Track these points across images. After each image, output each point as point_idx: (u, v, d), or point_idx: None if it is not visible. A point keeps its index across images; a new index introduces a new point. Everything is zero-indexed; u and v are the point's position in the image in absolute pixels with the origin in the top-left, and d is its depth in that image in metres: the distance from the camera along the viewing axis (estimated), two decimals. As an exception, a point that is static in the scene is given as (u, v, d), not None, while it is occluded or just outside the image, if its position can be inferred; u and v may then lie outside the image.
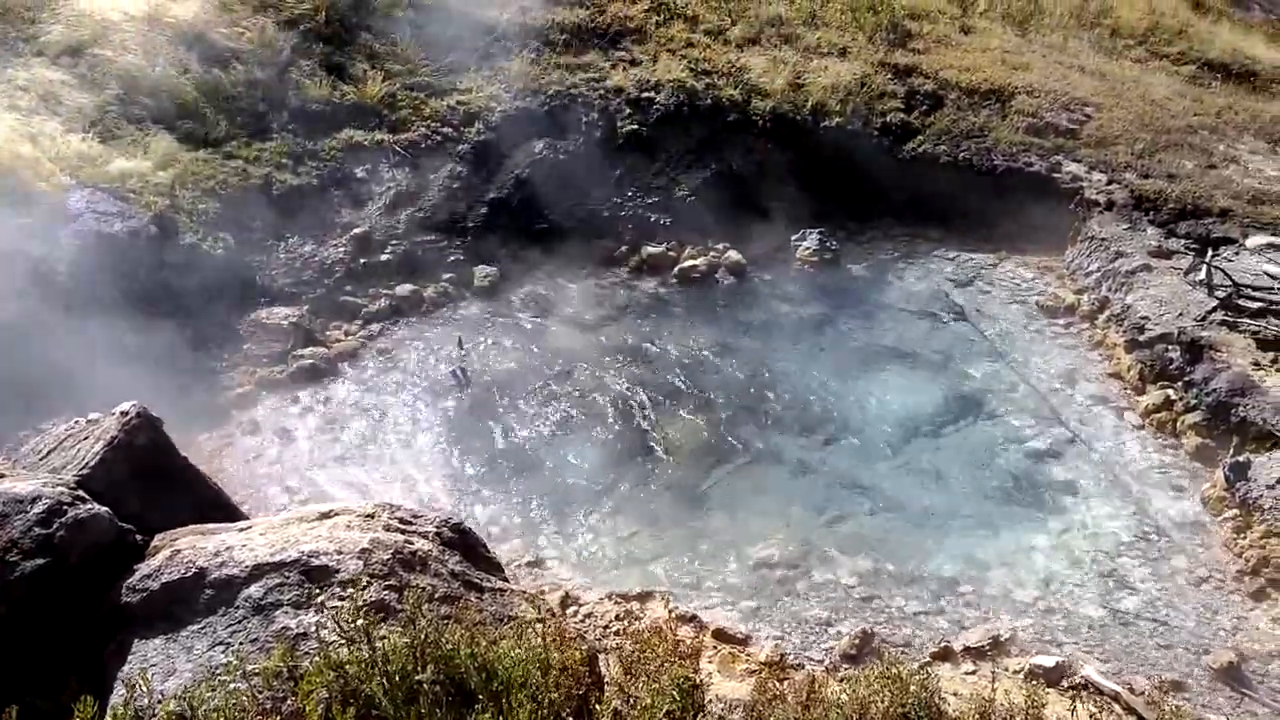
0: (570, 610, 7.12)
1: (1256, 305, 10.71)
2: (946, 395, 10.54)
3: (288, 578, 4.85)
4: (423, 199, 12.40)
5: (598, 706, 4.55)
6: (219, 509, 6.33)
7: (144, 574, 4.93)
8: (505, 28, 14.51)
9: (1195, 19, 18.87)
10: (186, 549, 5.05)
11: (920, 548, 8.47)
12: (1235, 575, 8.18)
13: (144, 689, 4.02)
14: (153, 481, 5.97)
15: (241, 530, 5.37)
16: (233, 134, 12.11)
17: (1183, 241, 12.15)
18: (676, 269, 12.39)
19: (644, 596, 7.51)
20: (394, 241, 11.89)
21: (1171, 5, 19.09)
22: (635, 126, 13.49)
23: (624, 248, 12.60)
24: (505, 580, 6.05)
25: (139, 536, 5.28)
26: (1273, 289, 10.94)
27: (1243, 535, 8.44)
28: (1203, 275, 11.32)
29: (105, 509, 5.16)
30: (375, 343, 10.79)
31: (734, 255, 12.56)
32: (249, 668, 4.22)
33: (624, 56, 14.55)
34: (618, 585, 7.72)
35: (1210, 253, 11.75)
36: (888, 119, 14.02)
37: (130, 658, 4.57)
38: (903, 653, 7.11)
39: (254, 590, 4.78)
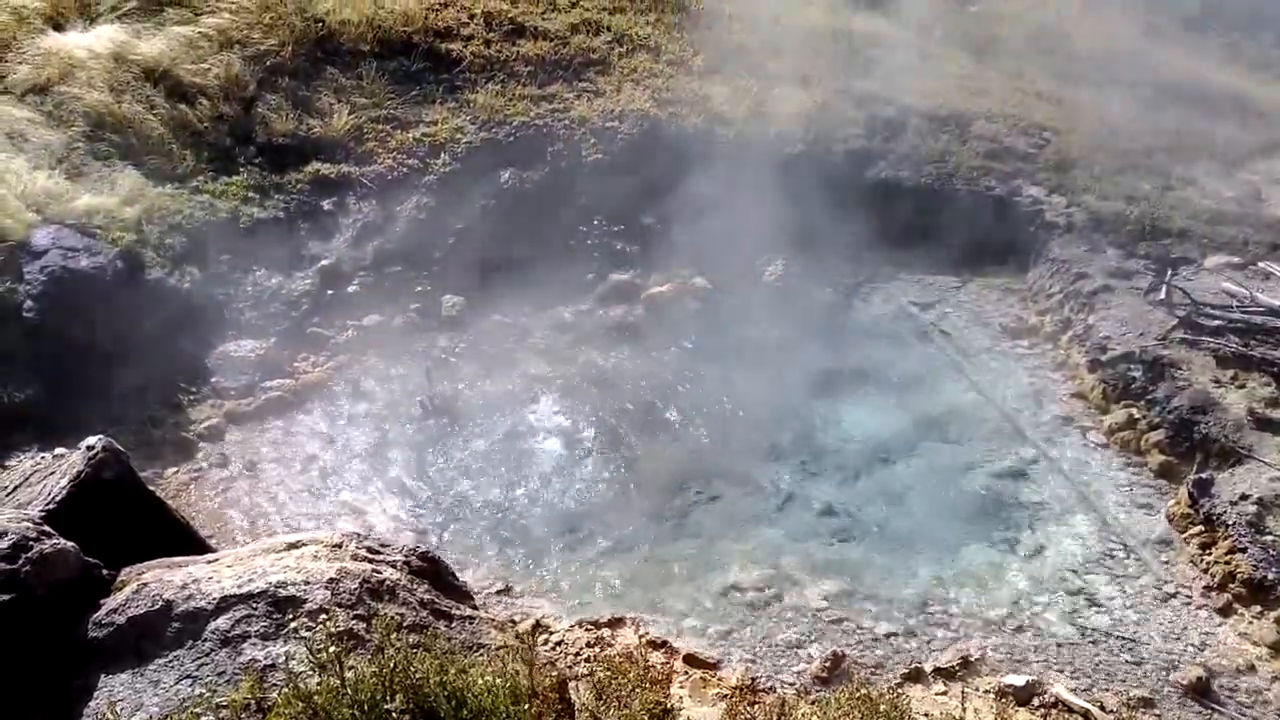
0: (540, 638, 7.08)
1: (1216, 323, 10.92)
2: (913, 417, 10.63)
3: (255, 609, 4.83)
4: (390, 230, 12.43)
5: (568, 732, 4.56)
6: (186, 542, 6.29)
7: (110, 608, 4.90)
8: (470, 60, 14.62)
9: (1149, 44, 19.33)
10: (153, 582, 5.02)
11: (889, 569, 8.51)
12: (1202, 591, 8.28)
13: (110, 724, 3.99)
14: (119, 516, 5.92)
15: (209, 562, 5.34)
16: (199, 169, 12.12)
17: (1142, 262, 12.38)
18: (643, 296, 12.46)
19: (614, 623, 7.49)
20: (361, 273, 11.91)
21: (1126, 30, 19.57)
22: (600, 155, 13.61)
23: (590, 275, 12.67)
24: (475, 608, 6.05)
25: (106, 571, 5.25)
26: (1231, 307, 11.17)
27: (1208, 551, 8.54)
28: (1163, 295, 11.55)
29: (72, 544, 5.12)
30: (343, 374, 10.76)
31: (700, 281, 12.65)
32: (217, 700, 4.20)
33: (588, 87, 14.70)
34: (588, 612, 7.69)
35: (1170, 272, 11.98)
36: (849, 145, 14.24)
37: (97, 693, 4.54)
38: (874, 674, 7.14)
39: (221, 622, 4.76)
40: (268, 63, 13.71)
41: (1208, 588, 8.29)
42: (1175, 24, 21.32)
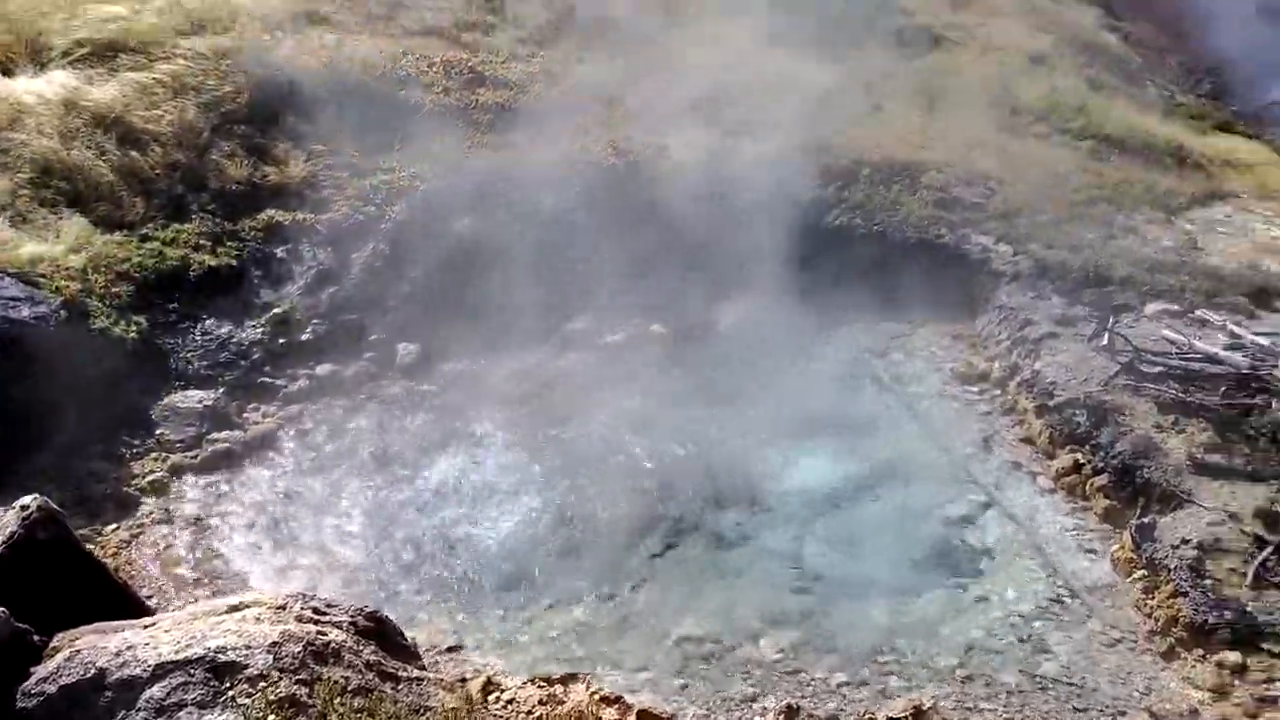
0: (492, 696, 6.99)
1: (1157, 369, 11.14)
2: (866, 463, 10.70)
3: (192, 675, 4.74)
4: (345, 278, 12.37)
5: (514, 797, 4.50)
6: (124, 604, 6.15)
7: (40, 677, 4.78)
8: (429, 108, 14.69)
9: (1093, 96, 19.85)
10: (86, 649, 4.91)
11: (842, 618, 8.53)
12: (1146, 635, 8.39)
13: (36, 801, 3.87)
14: (55, 578, 5.79)
15: (145, 627, 5.23)
16: (150, 216, 12.01)
17: (1086, 309, 12.62)
18: (600, 344, 12.47)
19: (567, 679, 7.39)
20: (315, 321, 11.81)
21: (1071, 83, 20.07)
22: (557, 203, 13.67)
23: (547, 325, 12.67)
24: (423, 668, 5.98)
25: (38, 637, 5.12)
26: (1170, 354, 11.41)
27: (1151, 595, 8.65)
28: (1105, 341, 11.77)
29: (2, 610, 4.99)
30: (294, 425, 10.63)
31: (658, 329, 12.71)
32: (149, 773, 4.10)
33: (549, 136, 14.79)
34: (540, 668, 7.62)
35: (1112, 319, 12.23)
36: (803, 195, 14.42)
37: (25, 767, 4.41)
38: (827, 726, 7.14)
39: (156, 691, 4.66)
40: (223, 109, 13.69)
41: (1151, 632, 8.39)
42: (1117, 77, 21.94)
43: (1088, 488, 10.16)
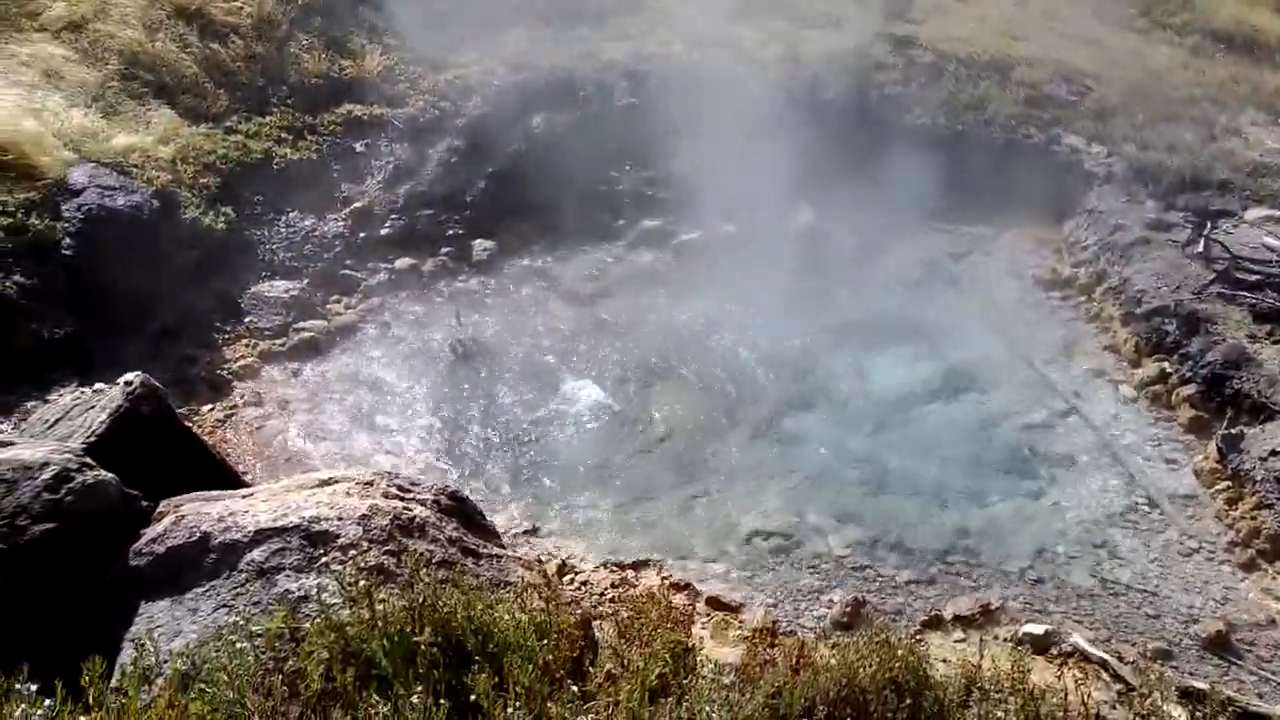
0: (566, 578, 7.24)
1: (1254, 278, 10.73)
2: (942, 368, 10.59)
3: (289, 542, 4.97)
4: (421, 173, 12.45)
5: (591, 668, 4.66)
6: (222, 477, 6.44)
7: (150, 538, 5.05)
8: (501, 1, 14.48)
9: (1198, -13, 18.74)
10: (191, 514, 5.17)
11: (913, 519, 8.56)
12: (1226, 546, 8.26)
13: (151, 648, 4.13)
14: (157, 449, 6.07)
15: (244, 497, 5.48)
16: (233, 108, 12.16)
17: (1182, 214, 12.14)
18: (673, 242, 12.43)
19: (639, 565, 7.62)
20: (393, 216, 11.95)
21: (1174, -28, 18.97)
22: (631, 99, 13.48)
23: (621, 221, 12.66)
24: (502, 547, 6.17)
25: (145, 502, 5.40)
26: (1271, 262, 10.95)
27: (1234, 507, 8.51)
28: (1201, 248, 11.35)
29: (112, 475, 5.26)
30: (375, 316, 10.88)
31: (730, 229, 12.59)
32: (253, 628, 4.33)
33: (618, 30, 14.52)
34: (613, 554, 7.83)
35: (1209, 225, 11.76)
36: (885, 91, 14.00)
37: (137, 619, 4.69)
38: (893, 620, 7.23)
39: (256, 554, 4.90)
40: (299, 2, 13.66)
41: (1232, 543, 8.26)
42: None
43: (1173, 397, 9.93)
